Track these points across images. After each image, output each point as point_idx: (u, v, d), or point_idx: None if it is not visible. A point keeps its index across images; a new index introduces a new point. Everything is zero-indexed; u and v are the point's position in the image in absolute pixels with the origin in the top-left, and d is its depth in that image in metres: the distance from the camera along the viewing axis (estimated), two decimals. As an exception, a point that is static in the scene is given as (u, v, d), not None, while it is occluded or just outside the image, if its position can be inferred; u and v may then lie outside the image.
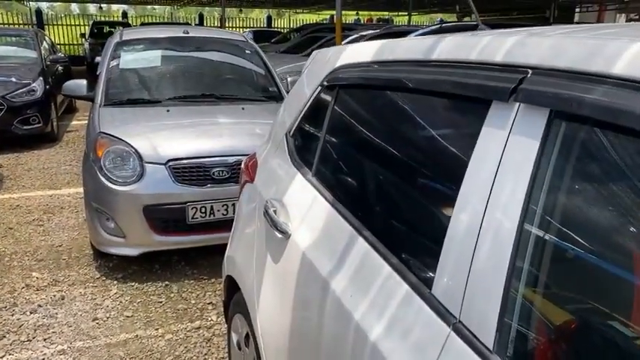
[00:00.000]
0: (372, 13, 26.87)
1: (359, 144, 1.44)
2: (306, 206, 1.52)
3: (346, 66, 1.55)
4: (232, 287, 2.13)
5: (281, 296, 1.54)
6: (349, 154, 1.48)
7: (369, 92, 1.44)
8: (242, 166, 2.24)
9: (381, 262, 1.15)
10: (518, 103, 0.90)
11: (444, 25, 9.53)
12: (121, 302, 3.13)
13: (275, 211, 1.65)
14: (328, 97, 1.60)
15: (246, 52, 4.72)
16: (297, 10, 26.06)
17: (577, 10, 19.66)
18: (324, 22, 22.66)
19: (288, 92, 4.43)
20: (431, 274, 1.02)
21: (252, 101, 4.27)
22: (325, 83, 1.64)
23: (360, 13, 26.18)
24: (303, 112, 1.75)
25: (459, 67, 1.08)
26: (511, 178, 0.88)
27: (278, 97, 4.37)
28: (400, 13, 25.09)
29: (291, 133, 1.82)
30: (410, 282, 1.06)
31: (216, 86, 4.40)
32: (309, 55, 7.42)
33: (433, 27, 9.15)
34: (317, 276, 1.32)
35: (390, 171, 1.27)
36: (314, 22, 22.68)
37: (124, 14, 23.19)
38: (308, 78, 1.80)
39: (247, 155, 3.48)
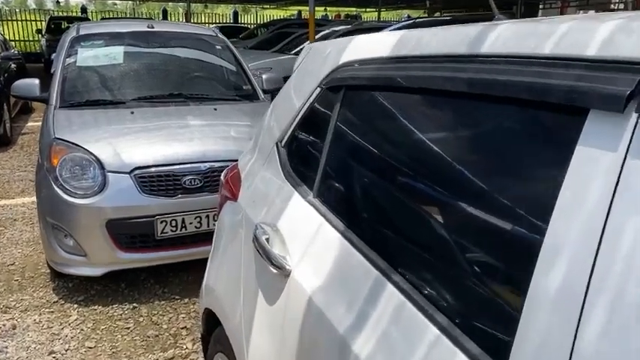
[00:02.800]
0: (340, 9, 26.64)
1: (379, 159, 1.16)
2: (308, 236, 1.24)
3: (353, 62, 1.26)
4: (212, 320, 1.83)
5: (280, 347, 1.24)
6: (365, 171, 1.20)
7: (388, 95, 1.16)
8: (221, 178, 1.93)
9: (424, 320, 0.87)
10: (638, 114, 0.64)
11: (417, 20, 9.35)
12: (82, 330, 2.77)
13: (267, 239, 1.36)
14: (332, 101, 1.31)
15: (217, 47, 4.38)
16: (264, 6, 25.63)
17: (540, 7, 19.88)
18: (292, 17, 22.30)
19: (264, 91, 4.16)
20: (502, 343, 0.75)
21: (225, 101, 3.94)
22: (327, 84, 1.35)
23: (329, 9, 25.91)
24: (298, 118, 1.46)
25: (527, 63, 0.81)
26: (634, 219, 0.62)
27: (253, 96, 4.07)
28: (368, 10, 24.95)
29: (283, 142, 1.52)
30: (470, 353, 0.79)
31: (185, 85, 4.05)
32: (279, 50, 7.10)
33: (407, 22, 8.96)
34: (331, 332, 1.03)
35: (427, 198, 0.99)
36: (282, 17, 22.29)
37: (84, 9, 22.25)
38: (302, 77, 1.50)
39: (222, 161, 3.22)
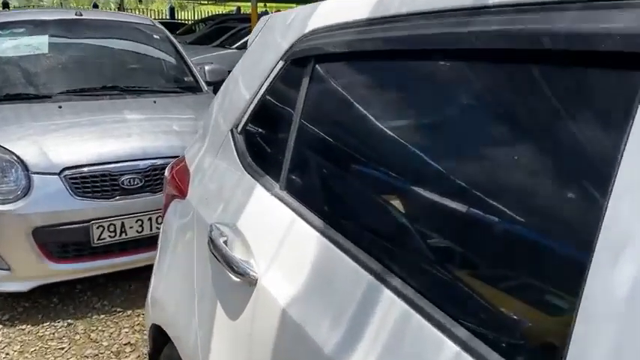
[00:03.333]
0: (280, 5, 26.38)
1: (363, 138, 0.97)
2: (277, 236, 1.03)
3: (324, 29, 1.07)
4: (161, 337, 1.59)
5: (247, 370, 1.04)
6: (347, 154, 1.00)
7: (368, 64, 0.98)
8: (166, 174, 1.69)
9: (436, 334, 0.70)
10: None
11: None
12: (7, 355, 2.43)
13: (226, 242, 1.14)
14: (298, 75, 1.11)
15: (155, 37, 4.07)
16: (202, 2, 24.95)
17: None
18: (232, 12, 21.84)
19: (207, 83, 3.89)
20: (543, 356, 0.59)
21: (166, 93, 3.64)
22: (291, 56, 1.15)
23: (268, 5, 25.58)
24: (257, 99, 1.25)
25: (563, 8, 0.65)
26: None
27: (196, 88, 3.80)
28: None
29: (240, 128, 1.31)
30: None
31: (121, 77, 3.72)
32: (219, 45, 6.77)
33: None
34: (314, 352, 0.84)
35: (433, 179, 0.81)
36: (221, 13, 21.78)
37: (5, 4, 20.81)
38: (260, 52, 1.30)
39: (164, 157, 2.93)
